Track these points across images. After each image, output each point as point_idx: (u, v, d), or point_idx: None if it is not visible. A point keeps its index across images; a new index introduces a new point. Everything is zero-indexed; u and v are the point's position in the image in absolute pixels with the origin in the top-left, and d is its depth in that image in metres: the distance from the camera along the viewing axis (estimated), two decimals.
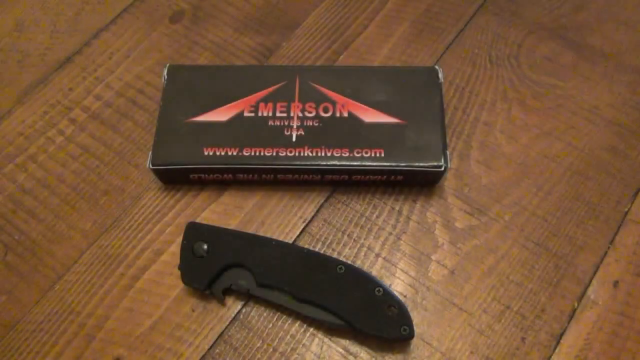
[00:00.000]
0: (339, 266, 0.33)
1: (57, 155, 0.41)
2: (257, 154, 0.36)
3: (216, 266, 0.33)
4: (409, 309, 0.33)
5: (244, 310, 0.34)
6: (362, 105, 0.38)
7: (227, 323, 0.34)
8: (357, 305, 0.32)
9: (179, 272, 0.34)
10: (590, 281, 0.35)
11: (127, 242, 0.37)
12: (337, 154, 0.36)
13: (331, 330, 0.34)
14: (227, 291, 0.34)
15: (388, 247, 0.36)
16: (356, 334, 0.33)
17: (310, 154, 0.36)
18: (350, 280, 0.32)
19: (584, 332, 0.34)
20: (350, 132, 0.37)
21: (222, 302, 0.34)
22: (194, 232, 0.35)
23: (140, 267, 0.36)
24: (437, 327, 0.34)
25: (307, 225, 0.37)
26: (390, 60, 0.44)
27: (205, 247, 0.34)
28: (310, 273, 0.33)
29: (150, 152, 0.36)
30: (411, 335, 0.32)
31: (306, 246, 0.36)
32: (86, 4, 0.48)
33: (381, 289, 0.32)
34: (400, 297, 0.34)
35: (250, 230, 0.37)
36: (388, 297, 0.32)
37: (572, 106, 0.42)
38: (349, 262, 0.36)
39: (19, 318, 0.35)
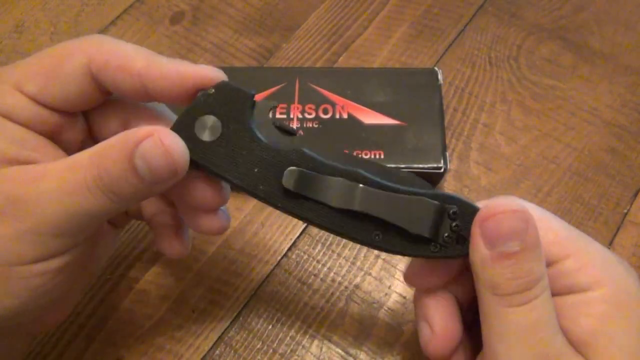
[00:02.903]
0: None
1: None
2: None
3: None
4: (408, 311, 0.33)
5: (244, 312, 0.35)
6: (362, 107, 0.38)
7: (227, 324, 0.34)
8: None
9: (179, 273, 0.34)
10: None
11: (127, 243, 0.37)
12: None
13: (331, 331, 0.34)
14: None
15: None
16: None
17: None
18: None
19: None
20: (350, 134, 0.37)
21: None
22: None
23: (140, 268, 0.36)
24: None
25: (307, 227, 0.37)
26: (390, 61, 0.44)
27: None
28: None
29: None
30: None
31: (306, 248, 0.36)
32: (86, 5, 0.48)
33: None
34: (400, 299, 0.35)
35: (250, 232, 0.37)
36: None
37: (571, 107, 0.42)
38: (350, 264, 0.36)
39: None
